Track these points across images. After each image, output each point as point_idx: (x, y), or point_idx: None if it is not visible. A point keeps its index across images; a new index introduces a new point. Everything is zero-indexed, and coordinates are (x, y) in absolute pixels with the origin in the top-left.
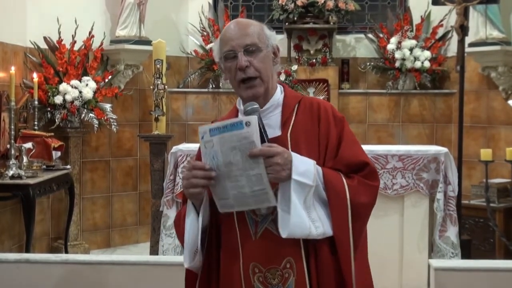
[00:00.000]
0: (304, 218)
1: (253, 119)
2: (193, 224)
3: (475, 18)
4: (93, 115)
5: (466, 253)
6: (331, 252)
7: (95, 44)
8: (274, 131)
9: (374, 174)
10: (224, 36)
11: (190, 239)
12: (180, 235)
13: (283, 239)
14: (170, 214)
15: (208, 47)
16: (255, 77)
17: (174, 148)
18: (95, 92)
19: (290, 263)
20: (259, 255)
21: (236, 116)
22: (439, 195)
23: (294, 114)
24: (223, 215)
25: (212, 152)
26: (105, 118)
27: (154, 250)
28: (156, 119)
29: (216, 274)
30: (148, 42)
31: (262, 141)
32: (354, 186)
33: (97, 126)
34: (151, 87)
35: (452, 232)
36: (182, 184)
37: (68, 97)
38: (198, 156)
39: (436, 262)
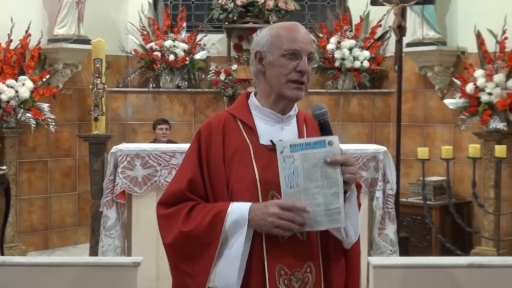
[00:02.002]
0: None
1: (335, 139)
2: (247, 244)
3: (412, 18)
4: (30, 115)
5: (404, 250)
6: (343, 258)
7: (32, 43)
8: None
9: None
10: (289, 33)
11: (243, 259)
12: (209, 252)
13: (305, 243)
14: (109, 214)
15: (148, 46)
16: (304, 82)
17: (114, 148)
18: (32, 92)
19: (310, 267)
20: (285, 258)
21: (248, 110)
22: (378, 193)
23: (304, 126)
24: None
25: (293, 168)
26: (43, 118)
27: (93, 251)
28: (96, 119)
29: None
30: (87, 41)
31: None
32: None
33: (34, 126)
34: (91, 86)
35: (391, 229)
36: (270, 221)
37: (4, 97)
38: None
39: (375, 260)
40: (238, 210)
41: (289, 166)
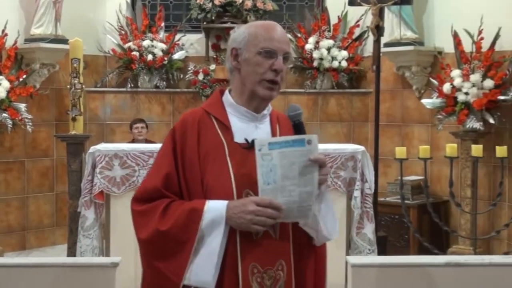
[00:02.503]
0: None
1: (314, 137)
2: (223, 240)
3: (390, 18)
4: (7, 115)
5: (382, 249)
6: (313, 257)
7: (9, 43)
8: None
9: None
10: (266, 32)
11: (219, 257)
12: (185, 248)
13: (278, 241)
14: (88, 215)
15: (126, 46)
16: (277, 82)
17: (92, 148)
18: (8, 92)
19: (282, 265)
20: (258, 256)
21: (222, 108)
22: (356, 193)
23: (277, 125)
24: None
25: (270, 165)
26: (20, 118)
27: (71, 252)
28: (73, 119)
29: None
30: (64, 41)
31: None
32: None
33: (11, 126)
34: (68, 86)
35: (369, 229)
36: (249, 218)
37: None
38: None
39: (353, 259)
40: (215, 208)
41: (267, 163)
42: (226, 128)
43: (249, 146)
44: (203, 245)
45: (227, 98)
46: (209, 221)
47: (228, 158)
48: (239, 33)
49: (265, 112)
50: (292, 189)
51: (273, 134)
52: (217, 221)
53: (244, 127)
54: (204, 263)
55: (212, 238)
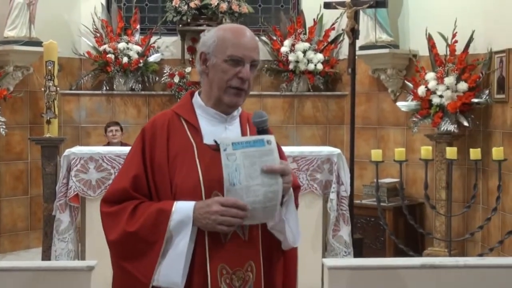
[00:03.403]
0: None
1: (272, 138)
2: (190, 243)
3: (365, 21)
4: None
5: (358, 252)
6: (282, 258)
7: None
8: None
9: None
10: (234, 38)
11: (187, 257)
12: (154, 250)
13: (247, 243)
14: (63, 218)
15: (101, 48)
16: (244, 89)
17: (67, 151)
18: None
19: (251, 266)
20: (227, 257)
21: (192, 110)
22: (332, 195)
23: (247, 126)
24: None
25: (235, 165)
26: None
27: (46, 256)
28: (48, 122)
29: None
30: (38, 43)
31: None
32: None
33: None
34: (43, 89)
35: (345, 231)
36: (213, 219)
37: None
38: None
39: (329, 261)
40: (183, 209)
41: (232, 163)
42: (196, 130)
43: (218, 147)
44: (171, 246)
45: (197, 100)
46: (177, 222)
47: (197, 160)
48: (208, 37)
49: (235, 113)
50: (257, 189)
51: (243, 135)
52: (185, 221)
53: (214, 128)
54: (172, 264)
55: (180, 239)
